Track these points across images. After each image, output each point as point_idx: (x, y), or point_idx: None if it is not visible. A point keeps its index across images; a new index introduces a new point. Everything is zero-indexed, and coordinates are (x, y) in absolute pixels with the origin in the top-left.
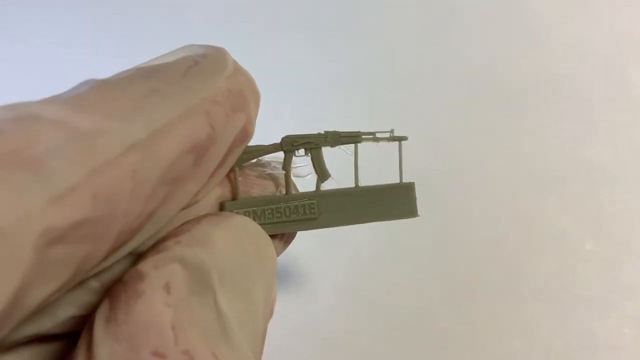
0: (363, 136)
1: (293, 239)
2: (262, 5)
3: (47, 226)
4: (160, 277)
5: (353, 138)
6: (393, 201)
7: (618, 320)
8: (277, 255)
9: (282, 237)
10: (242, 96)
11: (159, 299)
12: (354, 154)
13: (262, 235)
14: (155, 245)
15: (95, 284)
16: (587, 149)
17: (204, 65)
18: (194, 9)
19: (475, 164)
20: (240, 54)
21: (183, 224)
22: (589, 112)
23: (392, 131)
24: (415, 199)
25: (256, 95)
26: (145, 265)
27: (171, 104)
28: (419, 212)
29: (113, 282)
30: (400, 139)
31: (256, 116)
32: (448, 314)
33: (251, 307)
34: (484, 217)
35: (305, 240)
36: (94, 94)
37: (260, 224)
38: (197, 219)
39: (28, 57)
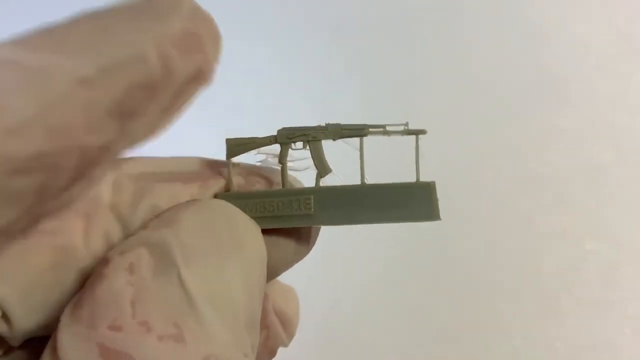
0: (370, 129)
1: (312, 239)
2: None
3: (3, 156)
4: (124, 260)
5: (357, 131)
6: (406, 202)
7: (618, 320)
8: (298, 257)
9: (294, 237)
10: (198, 37)
11: (121, 279)
12: (359, 149)
13: (242, 221)
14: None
15: None
16: (587, 149)
17: (157, 4)
18: None
19: (475, 163)
20: (249, 46)
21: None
22: (589, 112)
23: (406, 124)
24: (436, 200)
25: (214, 37)
26: (111, 252)
27: (120, 41)
28: (441, 216)
29: None
30: (417, 132)
31: (215, 58)
32: (448, 314)
33: (224, 287)
34: (484, 217)
35: None
36: (43, 33)
37: (251, 217)
38: (172, 206)
39: None
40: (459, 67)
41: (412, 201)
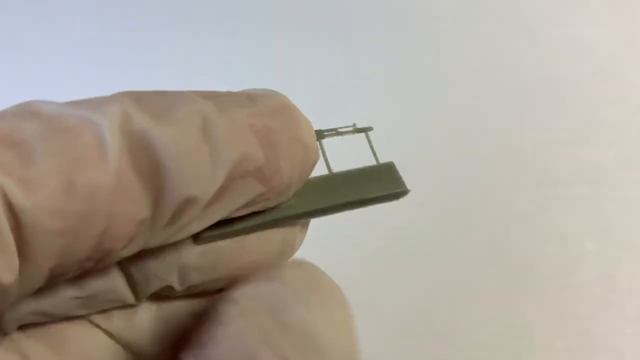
0: (325, 133)
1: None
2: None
3: (13, 203)
4: (239, 311)
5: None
6: (374, 179)
7: (618, 320)
8: (299, 246)
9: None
10: (268, 135)
11: (244, 322)
12: (321, 153)
13: (328, 276)
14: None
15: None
16: (587, 148)
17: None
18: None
19: (475, 163)
20: (251, 51)
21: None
22: (589, 112)
23: (354, 125)
24: (399, 175)
25: (296, 143)
26: (223, 304)
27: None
28: (408, 187)
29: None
30: (365, 130)
31: (291, 168)
32: (448, 314)
33: (343, 330)
34: (483, 217)
35: (306, 239)
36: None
37: (240, 230)
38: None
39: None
40: (458, 67)
41: (380, 178)
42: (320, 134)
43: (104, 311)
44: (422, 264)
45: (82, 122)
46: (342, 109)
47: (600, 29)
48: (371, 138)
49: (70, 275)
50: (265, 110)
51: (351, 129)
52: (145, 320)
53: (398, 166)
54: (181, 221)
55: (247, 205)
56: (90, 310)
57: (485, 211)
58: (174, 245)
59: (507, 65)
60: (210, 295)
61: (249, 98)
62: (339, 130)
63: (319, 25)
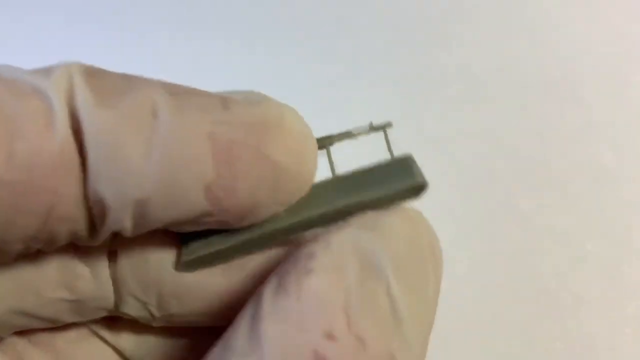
0: (336, 138)
1: None
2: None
3: None
4: (331, 258)
5: (322, 141)
6: (386, 175)
7: (618, 321)
8: None
9: None
10: (228, 149)
11: (330, 279)
12: (328, 161)
13: (432, 230)
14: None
15: (84, 271)
16: (587, 148)
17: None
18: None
19: (475, 163)
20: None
21: None
22: (589, 112)
23: (370, 123)
24: (417, 167)
25: (263, 163)
26: (316, 246)
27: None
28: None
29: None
30: (383, 127)
31: (253, 190)
32: (447, 314)
33: (428, 307)
34: (483, 216)
35: None
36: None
37: (218, 252)
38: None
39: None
40: (457, 67)
41: (392, 173)
42: (327, 141)
43: (113, 327)
44: None
45: (33, 89)
46: (342, 109)
47: (600, 29)
48: (389, 136)
49: (15, 253)
50: (236, 120)
51: (366, 129)
52: (155, 341)
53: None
54: (104, 223)
55: (189, 221)
56: (83, 318)
57: (485, 211)
58: (153, 265)
59: (507, 65)
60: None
61: (223, 103)
62: (353, 132)
63: (319, 25)
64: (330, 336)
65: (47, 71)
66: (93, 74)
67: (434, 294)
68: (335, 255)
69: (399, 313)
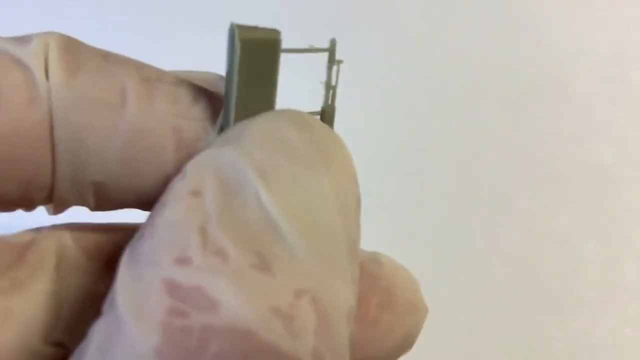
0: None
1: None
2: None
3: None
4: (186, 185)
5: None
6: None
7: (619, 321)
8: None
9: None
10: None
11: (185, 205)
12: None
13: (323, 129)
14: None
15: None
16: (587, 149)
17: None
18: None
19: (475, 163)
20: None
21: None
22: (590, 112)
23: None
24: (246, 28)
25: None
26: (174, 178)
27: None
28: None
29: None
30: (325, 50)
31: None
32: (447, 314)
33: (314, 208)
34: (483, 217)
35: None
36: None
37: None
38: (238, 123)
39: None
40: (458, 67)
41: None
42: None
43: None
44: (421, 263)
45: (15, 61)
46: (342, 109)
47: (600, 29)
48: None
49: None
50: (201, 115)
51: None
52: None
53: (395, 166)
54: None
55: (149, 204)
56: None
57: (485, 211)
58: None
59: (507, 65)
60: None
61: (193, 95)
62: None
63: (318, 24)
64: (183, 260)
65: (26, 40)
66: (69, 48)
67: (326, 192)
68: (191, 180)
69: (273, 219)
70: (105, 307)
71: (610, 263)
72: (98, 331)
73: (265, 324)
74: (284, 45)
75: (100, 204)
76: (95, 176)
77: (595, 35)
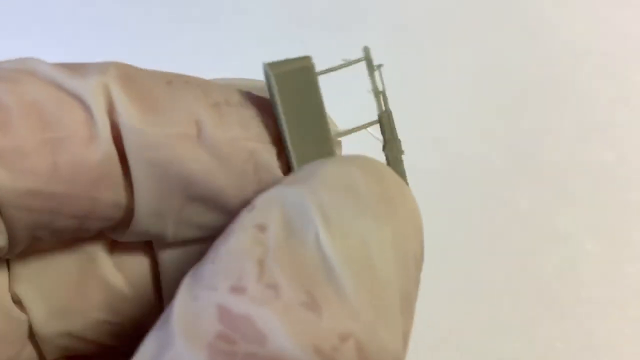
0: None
1: None
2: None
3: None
4: (253, 218)
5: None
6: (307, 137)
7: (619, 321)
8: None
9: None
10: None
11: (249, 237)
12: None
13: (393, 179)
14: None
15: (127, 290)
16: (588, 148)
17: None
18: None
19: (475, 163)
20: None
21: None
22: (590, 111)
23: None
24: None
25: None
26: (242, 211)
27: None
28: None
29: None
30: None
31: None
32: (447, 314)
33: (371, 255)
34: (483, 217)
35: None
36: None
37: None
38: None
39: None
40: (458, 67)
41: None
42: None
43: None
44: None
45: (74, 96)
46: (341, 108)
47: (600, 29)
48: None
49: (49, 241)
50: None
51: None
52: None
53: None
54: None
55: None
56: (121, 343)
57: (486, 211)
58: None
59: (508, 65)
60: None
61: (258, 117)
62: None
63: (318, 22)
64: (238, 289)
65: (82, 73)
66: (131, 81)
67: (385, 242)
68: (257, 214)
69: (329, 261)
70: (161, 320)
71: (610, 263)
72: (149, 343)
73: None
74: (318, 68)
75: (179, 230)
76: (177, 207)
77: (596, 35)
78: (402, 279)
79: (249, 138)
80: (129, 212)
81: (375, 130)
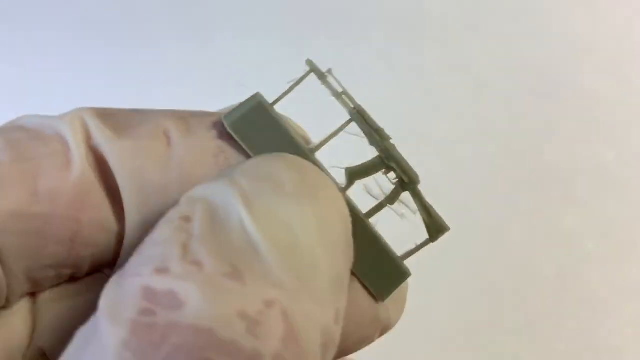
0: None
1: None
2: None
3: None
4: (177, 212)
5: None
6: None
7: (619, 321)
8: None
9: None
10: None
11: (174, 227)
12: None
13: (314, 171)
14: None
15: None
16: (589, 149)
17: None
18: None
19: (476, 163)
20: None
21: None
22: (591, 112)
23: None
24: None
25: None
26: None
27: None
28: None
29: None
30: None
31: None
32: (448, 315)
33: (296, 235)
34: (485, 217)
35: None
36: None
37: None
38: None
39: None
40: (458, 67)
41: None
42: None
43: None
44: (421, 263)
45: (53, 133)
46: (342, 109)
47: (600, 29)
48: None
49: (50, 281)
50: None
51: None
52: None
53: None
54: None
55: None
56: None
57: (486, 211)
58: None
59: (508, 65)
60: None
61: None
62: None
63: (317, 24)
64: (161, 270)
65: (61, 116)
66: (103, 112)
67: (308, 225)
68: (182, 208)
69: (253, 240)
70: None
71: (610, 263)
72: (79, 333)
73: (227, 324)
74: (268, 99)
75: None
76: (160, 209)
77: (596, 35)
78: (330, 259)
79: (215, 137)
80: (119, 238)
81: (354, 128)
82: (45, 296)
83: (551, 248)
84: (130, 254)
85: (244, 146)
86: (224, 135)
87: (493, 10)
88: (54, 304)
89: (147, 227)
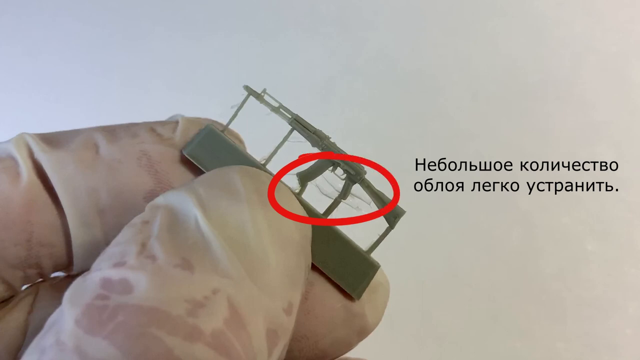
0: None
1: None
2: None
3: None
4: (140, 217)
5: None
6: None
7: (619, 321)
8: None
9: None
10: (151, 163)
11: (135, 229)
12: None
13: (262, 175)
14: None
15: None
16: (588, 149)
17: None
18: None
19: (475, 163)
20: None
21: None
22: (591, 112)
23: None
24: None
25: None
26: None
27: None
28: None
29: None
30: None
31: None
32: (449, 315)
33: (247, 234)
34: (485, 217)
35: None
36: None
37: None
38: None
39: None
40: (458, 67)
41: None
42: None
43: None
44: (421, 263)
45: (5, 155)
46: (340, 108)
47: (601, 29)
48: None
49: (20, 282)
50: (165, 142)
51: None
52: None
53: (395, 165)
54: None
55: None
56: None
57: (486, 211)
58: None
59: (508, 66)
60: None
61: (151, 129)
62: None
63: (315, 24)
64: (119, 264)
65: (9, 140)
66: (43, 135)
67: (261, 226)
68: (144, 214)
69: (207, 238)
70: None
71: (610, 263)
72: (49, 320)
73: (170, 305)
74: (218, 126)
75: (107, 228)
76: (98, 207)
77: (596, 35)
78: (281, 257)
79: (139, 142)
80: (67, 237)
81: (296, 137)
82: (43, 296)
83: (551, 248)
84: (78, 251)
85: (203, 169)
86: (148, 140)
87: (492, 10)
88: (54, 302)
89: (86, 223)
